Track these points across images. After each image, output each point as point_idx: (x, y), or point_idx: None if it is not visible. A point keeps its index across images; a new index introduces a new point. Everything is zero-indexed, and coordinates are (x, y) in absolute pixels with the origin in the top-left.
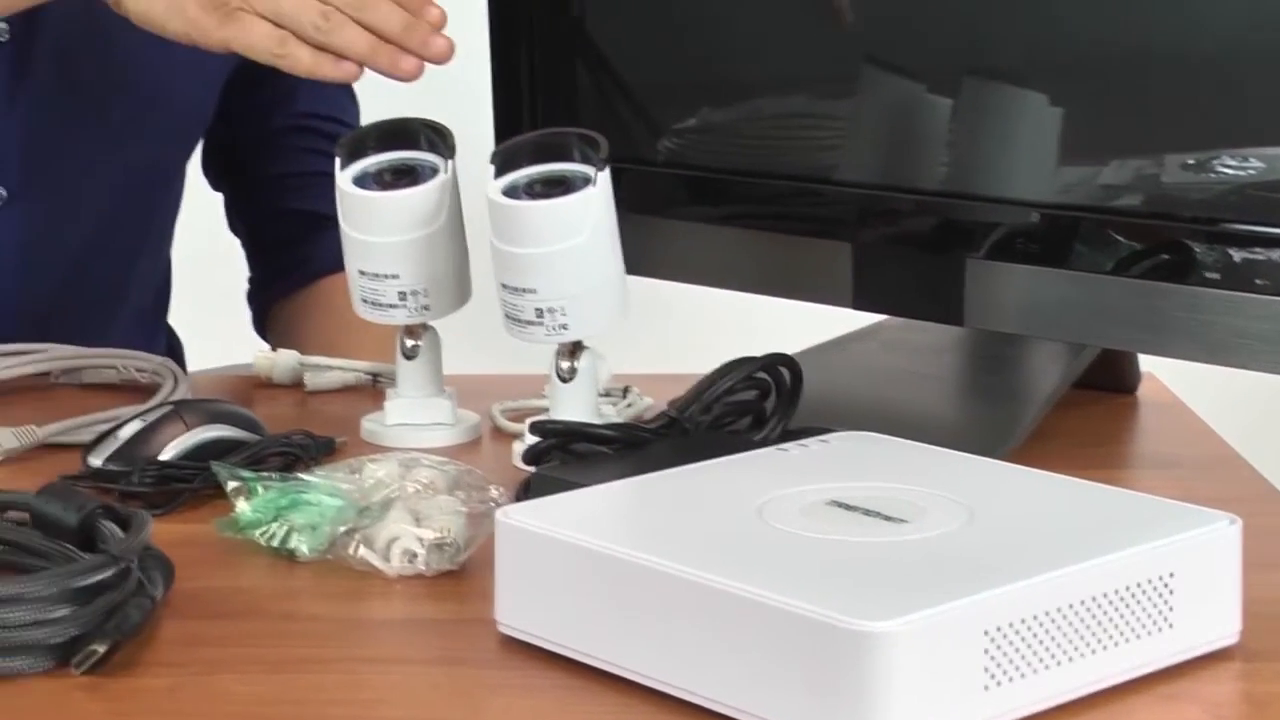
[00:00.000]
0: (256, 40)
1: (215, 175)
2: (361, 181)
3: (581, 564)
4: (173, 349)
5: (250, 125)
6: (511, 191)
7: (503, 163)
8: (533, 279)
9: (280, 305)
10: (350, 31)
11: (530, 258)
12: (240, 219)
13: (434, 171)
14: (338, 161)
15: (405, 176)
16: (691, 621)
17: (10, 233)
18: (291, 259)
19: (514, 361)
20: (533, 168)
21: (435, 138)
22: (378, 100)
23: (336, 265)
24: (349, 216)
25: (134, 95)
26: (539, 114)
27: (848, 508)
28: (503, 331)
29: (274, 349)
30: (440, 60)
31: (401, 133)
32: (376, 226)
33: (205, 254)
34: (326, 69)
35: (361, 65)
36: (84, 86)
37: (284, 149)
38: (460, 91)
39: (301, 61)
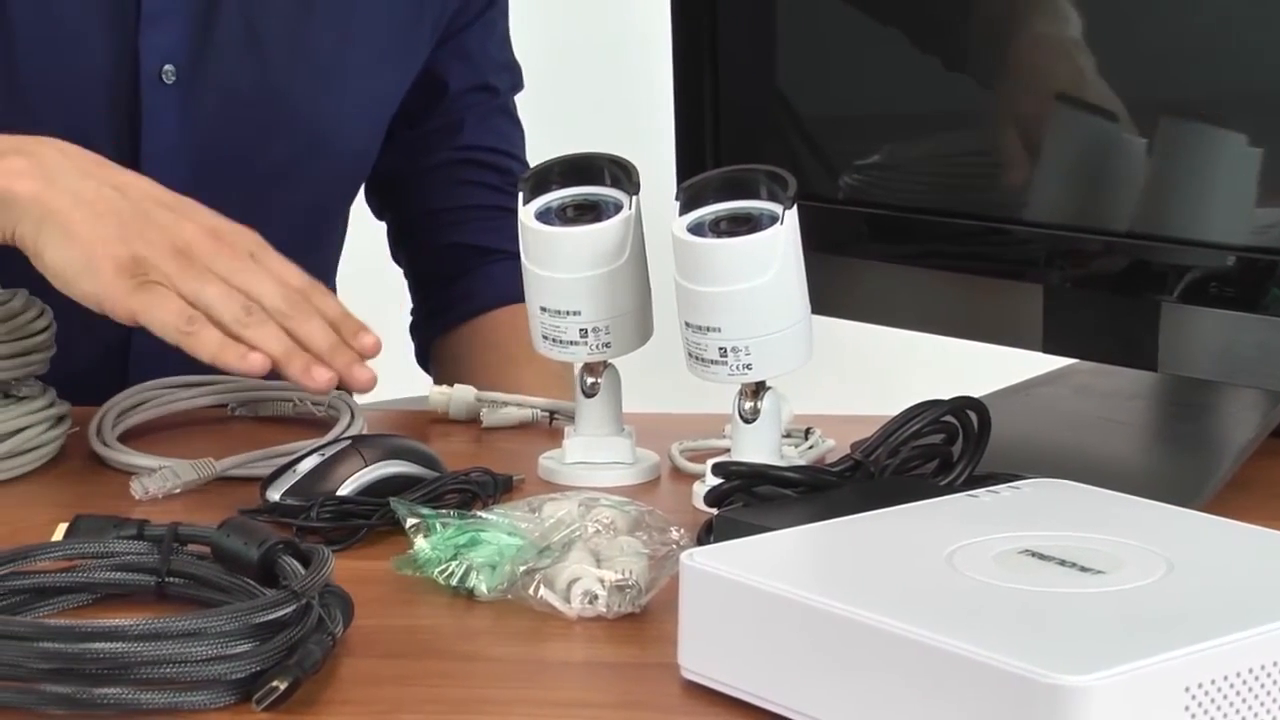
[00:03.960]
0: (166, 317)
1: (378, 206)
2: (544, 217)
3: (769, 609)
4: None
5: (413, 158)
6: (697, 229)
7: (688, 199)
8: (717, 318)
9: (443, 339)
10: (269, 329)
11: (715, 296)
12: (403, 251)
13: (617, 207)
14: (520, 196)
15: (589, 212)
16: (881, 670)
17: None
18: (454, 294)
19: (692, 400)
20: (719, 204)
21: (619, 173)
22: (556, 133)
23: (499, 300)
24: (531, 252)
25: (298, 140)
26: (721, 150)
27: (1042, 557)
28: (682, 370)
29: (436, 382)
30: (358, 392)
31: (585, 168)
32: (559, 262)
33: (369, 280)
34: (230, 357)
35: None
36: (248, 129)
37: (446, 181)
38: (643, 126)
39: (207, 345)
